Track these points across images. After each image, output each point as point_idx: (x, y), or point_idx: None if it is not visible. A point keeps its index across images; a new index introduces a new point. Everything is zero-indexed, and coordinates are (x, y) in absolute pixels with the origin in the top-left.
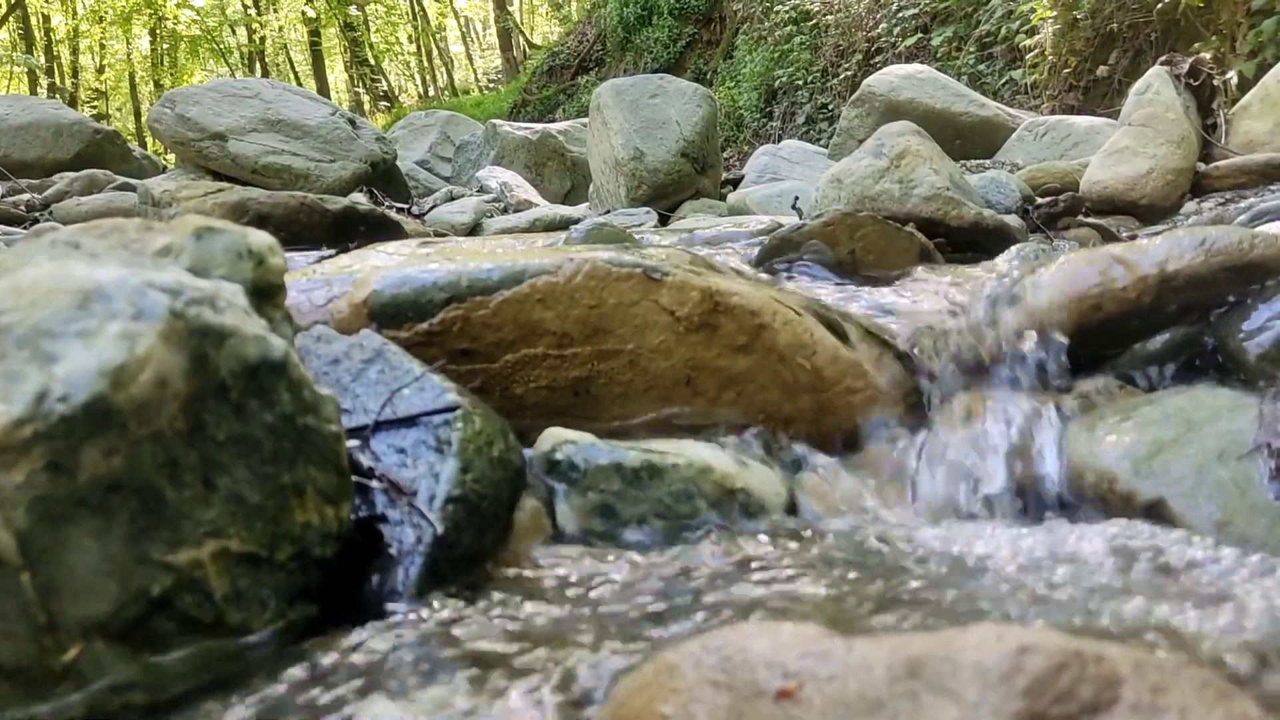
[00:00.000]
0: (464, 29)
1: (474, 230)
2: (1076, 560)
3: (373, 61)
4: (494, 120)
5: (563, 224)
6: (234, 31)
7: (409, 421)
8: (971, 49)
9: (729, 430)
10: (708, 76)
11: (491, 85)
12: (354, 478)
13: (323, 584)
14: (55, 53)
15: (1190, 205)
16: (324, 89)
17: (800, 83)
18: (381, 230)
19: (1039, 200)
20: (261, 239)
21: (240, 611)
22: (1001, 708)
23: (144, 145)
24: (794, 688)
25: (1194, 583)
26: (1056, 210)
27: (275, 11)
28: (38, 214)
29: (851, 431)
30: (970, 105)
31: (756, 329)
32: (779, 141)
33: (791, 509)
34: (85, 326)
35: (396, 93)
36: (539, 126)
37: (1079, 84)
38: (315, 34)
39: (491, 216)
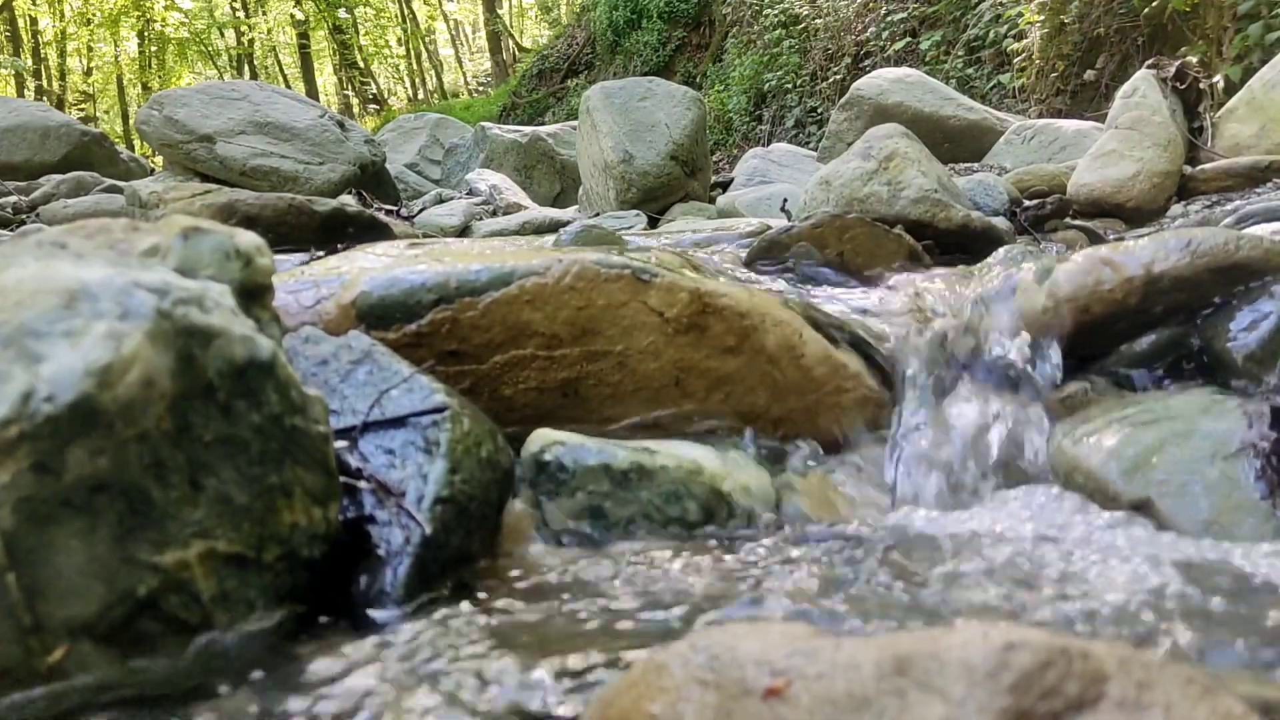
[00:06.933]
0: (453, 32)
1: (463, 233)
2: (1064, 559)
3: (362, 64)
4: (483, 123)
5: (552, 227)
6: (222, 34)
7: (397, 422)
8: (960, 53)
9: (718, 431)
10: (697, 80)
11: (481, 88)
12: (342, 479)
13: (310, 585)
14: (43, 55)
15: (1177, 208)
16: (313, 92)
17: (789, 86)
18: (370, 232)
19: (1026, 203)
20: (249, 240)
21: (227, 612)
22: (988, 704)
23: (131, 148)
24: (782, 686)
25: (1183, 580)
26: (1044, 213)
27: (264, 14)
28: (24, 216)
29: (840, 432)
30: (958, 109)
31: (745, 330)
32: (768, 144)
33: (780, 509)
34: (71, 326)
35: (385, 95)
36: (528, 129)
37: (1066, 88)
38: (304, 37)
39: (480, 219)
